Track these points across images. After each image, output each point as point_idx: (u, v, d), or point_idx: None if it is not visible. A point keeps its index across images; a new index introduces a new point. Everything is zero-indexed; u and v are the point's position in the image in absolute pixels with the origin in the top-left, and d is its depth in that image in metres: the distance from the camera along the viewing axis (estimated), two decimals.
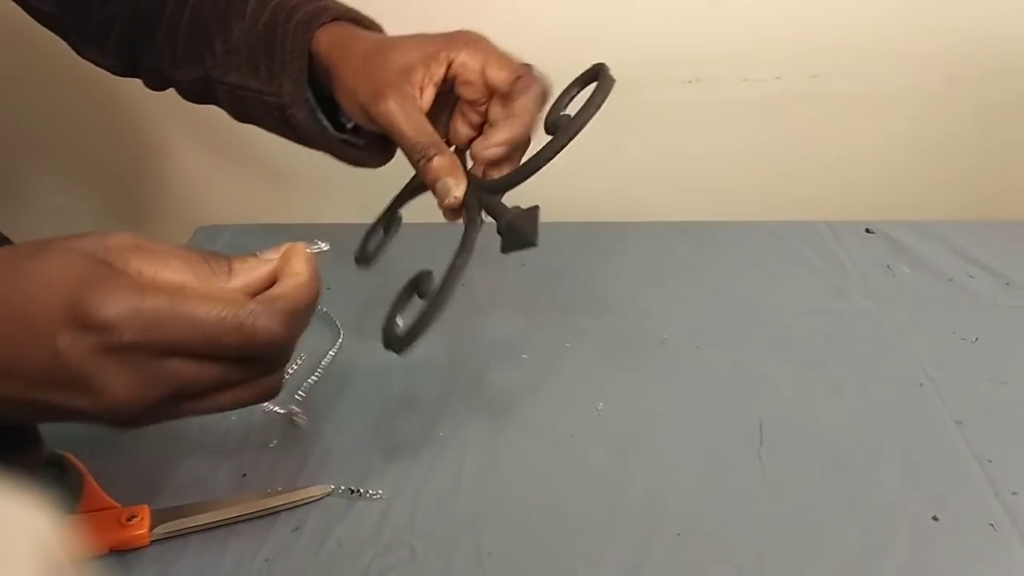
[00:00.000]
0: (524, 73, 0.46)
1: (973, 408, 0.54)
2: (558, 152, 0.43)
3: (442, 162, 0.46)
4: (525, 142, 0.47)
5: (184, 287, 0.33)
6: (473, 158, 0.47)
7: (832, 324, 0.62)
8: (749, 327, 0.62)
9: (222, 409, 0.35)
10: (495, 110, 0.48)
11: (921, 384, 0.56)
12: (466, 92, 0.48)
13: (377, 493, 0.48)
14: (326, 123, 0.52)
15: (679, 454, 0.51)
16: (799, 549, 0.45)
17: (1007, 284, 0.66)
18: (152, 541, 0.45)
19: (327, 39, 0.50)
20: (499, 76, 0.47)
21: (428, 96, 0.48)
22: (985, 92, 0.95)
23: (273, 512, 0.47)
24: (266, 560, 0.45)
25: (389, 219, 0.53)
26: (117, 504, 0.46)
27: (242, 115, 0.56)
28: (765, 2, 0.89)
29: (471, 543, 0.45)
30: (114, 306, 0.30)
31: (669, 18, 0.90)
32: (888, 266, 0.69)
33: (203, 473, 0.50)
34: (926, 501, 0.47)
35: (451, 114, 0.51)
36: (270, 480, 0.49)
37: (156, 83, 0.60)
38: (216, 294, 0.33)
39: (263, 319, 0.33)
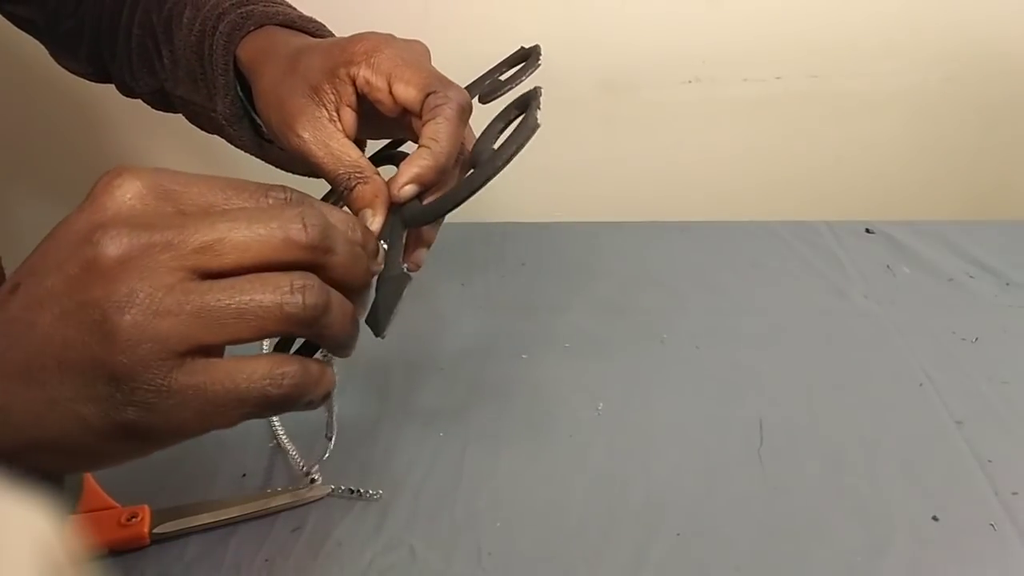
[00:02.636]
0: (434, 89, 0.41)
1: (973, 408, 0.54)
2: (474, 192, 0.38)
3: (362, 192, 0.41)
4: (445, 169, 0.41)
5: None
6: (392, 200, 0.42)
7: (832, 324, 0.62)
8: (749, 327, 0.62)
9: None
10: (419, 126, 0.42)
11: (921, 384, 0.56)
12: (384, 110, 0.43)
13: (377, 493, 0.48)
14: (268, 137, 0.49)
15: (679, 454, 0.51)
16: (799, 549, 0.45)
17: (1007, 284, 0.66)
18: (152, 541, 0.45)
19: (248, 54, 0.47)
20: (407, 95, 0.41)
21: (348, 119, 0.43)
22: (985, 92, 0.95)
23: (273, 512, 0.47)
24: (266, 560, 0.45)
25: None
26: (117, 504, 0.46)
27: (203, 128, 0.53)
28: (765, 2, 0.89)
29: (471, 543, 0.45)
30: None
31: (669, 18, 0.90)
32: (888, 266, 0.69)
33: (203, 473, 0.50)
34: (926, 501, 0.47)
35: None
36: (270, 480, 0.50)
37: (126, 92, 0.58)
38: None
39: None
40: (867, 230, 0.74)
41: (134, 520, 0.45)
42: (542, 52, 0.46)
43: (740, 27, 0.91)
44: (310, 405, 0.31)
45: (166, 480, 0.49)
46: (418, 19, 0.88)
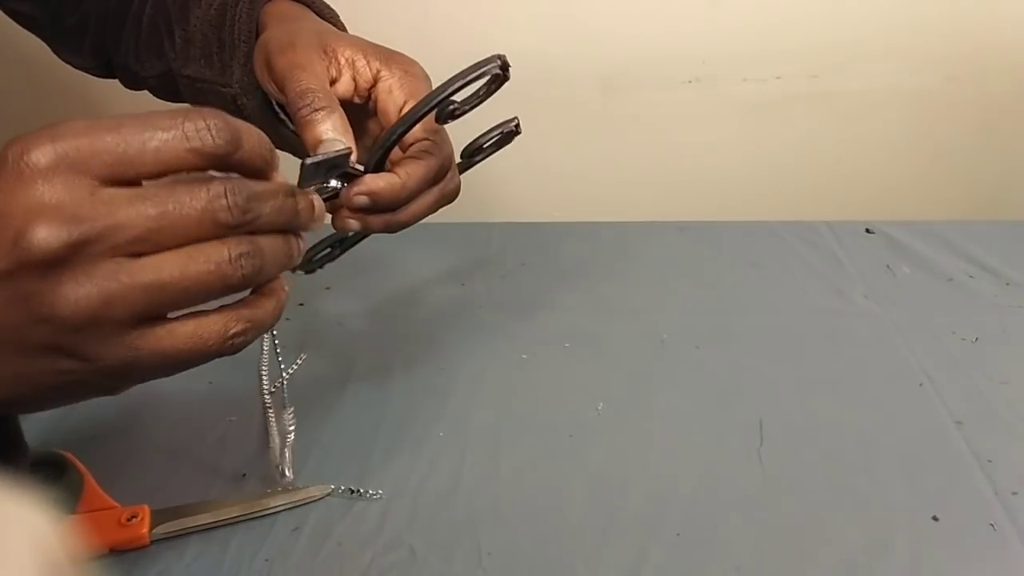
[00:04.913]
0: (429, 138, 0.43)
1: (973, 408, 0.54)
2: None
3: (333, 118, 0.40)
4: (399, 204, 0.42)
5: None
6: (342, 203, 0.42)
7: (832, 324, 0.62)
8: (749, 327, 0.62)
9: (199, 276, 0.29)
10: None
11: (921, 384, 0.56)
12: (383, 120, 0.45)
13: (377, 493, 0.48)
14: (283, 116, 0.50)
15: (679, 454, 0.51)
16: (799, 549, 0.45)
17: (1007, 284, 0.66)
18: (152, 541, 0.45)
19: (272, 11, 0.48)
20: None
21: (343, 87, 0.44)
22: (985, 92, 0.95)
23: (273, 512, 0.47)
24: (266, 560, 0.45)
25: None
26: (117, 504, 0.46)
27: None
28: (765, 2, 0.89)
29: (471, 543, 0.45)
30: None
31: (669, 18, 0.90)
32: (888, 266, 0.69)
33: (203, 473, 0.50)
34: (926, 501, 0.47)
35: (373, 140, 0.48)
36: (270, 480, 0.49)
37: (129, 82, 0.59)
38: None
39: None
40: (867, 230, 0.74)
41: (134, 520, 0.45)
42: (508, 64, 0.43)
43: (740, 27, 0.91)
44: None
45: (166, 480, 0.49)
46: (418, 19, 0.88)
